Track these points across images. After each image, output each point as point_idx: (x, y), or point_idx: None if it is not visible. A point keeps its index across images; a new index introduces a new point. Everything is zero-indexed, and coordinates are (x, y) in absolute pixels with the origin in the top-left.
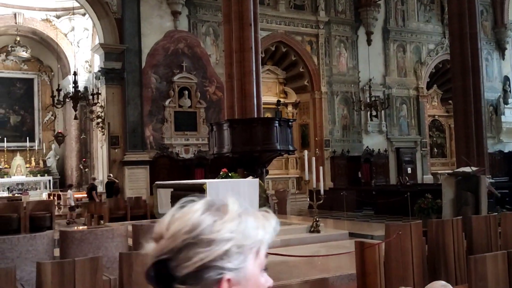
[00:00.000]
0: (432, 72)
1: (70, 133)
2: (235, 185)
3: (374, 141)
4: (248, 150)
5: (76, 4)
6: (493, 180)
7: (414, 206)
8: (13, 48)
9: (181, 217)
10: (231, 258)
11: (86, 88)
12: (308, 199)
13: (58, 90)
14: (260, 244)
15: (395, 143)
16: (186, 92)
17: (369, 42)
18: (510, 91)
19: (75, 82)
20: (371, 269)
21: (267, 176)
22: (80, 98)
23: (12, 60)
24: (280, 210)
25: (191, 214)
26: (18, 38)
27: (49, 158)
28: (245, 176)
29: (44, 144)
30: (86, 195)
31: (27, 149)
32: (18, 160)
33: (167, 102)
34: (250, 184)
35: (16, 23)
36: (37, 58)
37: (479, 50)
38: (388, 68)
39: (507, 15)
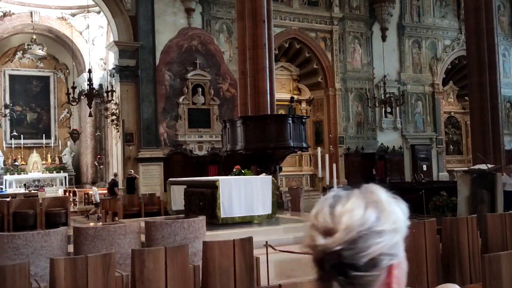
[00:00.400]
0: (448, 68)
1: (85, 130)
2: (248, 182)
3: (388, 138)
4: (261, 147)
5: (91, 2)
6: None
7: (429, 203)
8: (29, 46)
9: (348, 212)
10: (397, 245)
11: (101, 85)
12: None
13: (73, 88)
14: (406, 229)
15: (410, 140)
16: (200, 89)
17: (383, 38)
18: None
19: (89, 80)
20: None
21: (281, 173)
22: (94, 95)
23: (29, 58)
24: (294, 208)
25: (357, 209)
26: (34, 36)
27: (64, 155)
28: (258, 173)
29: (60, 141)
30: (107, 191)
31: (43, 146)
32: (34, 157)
33: (180, 99)
34: (263, 181)
35: (32, 21)
36: (53, 56)
37: (496, 46)
38: (403, 64)
39: None
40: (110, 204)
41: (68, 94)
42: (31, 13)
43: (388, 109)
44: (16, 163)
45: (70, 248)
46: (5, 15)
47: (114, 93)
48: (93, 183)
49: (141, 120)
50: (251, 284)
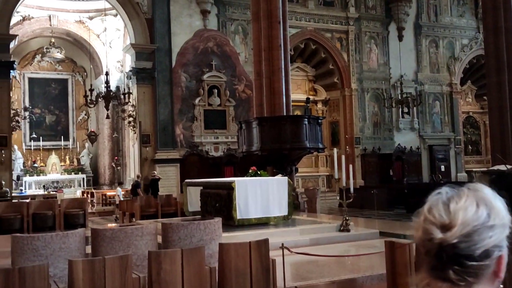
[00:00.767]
0: (466, 67)
1: (103, 132)
2: (264, 184)
3: (406, 139)
4: (277, 148)
5: (108, 6)
6: None
7: None
8: (48, 50)
9: (463, 209)
10: (504, 238)
11: (118, 87)
12: (338, 198)
13: (91, 90)
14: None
15: (427, 140)
16: (216, 91)
17: (400, 38)
18: None
19: (107, 82)
20: (401, 270)
21: (297, 174)
22: (112, 97)
23: (47, 61)
24: (310, 209)
25: (470, 206)
26: (52, 40)
27: (82, 156)
28: (274, 174)
29: (78, 142)
30: (130, 192)
31: (62, 147)
32: (53, 158)
33: (196, 101)
34: (279, 183)
35: (51, 25)
36: (71, 59)
37: None
38: (420, 64)
39: None
40: (127, 205)
41: (86, 96)
42: (50, 17)
43: (405, 109)
44: (35, 165)
45: (88, 249)
46: (24, 19)
47: (131, 95)
48: (119, 183)
49: (158, 122)
50: (267, 286)
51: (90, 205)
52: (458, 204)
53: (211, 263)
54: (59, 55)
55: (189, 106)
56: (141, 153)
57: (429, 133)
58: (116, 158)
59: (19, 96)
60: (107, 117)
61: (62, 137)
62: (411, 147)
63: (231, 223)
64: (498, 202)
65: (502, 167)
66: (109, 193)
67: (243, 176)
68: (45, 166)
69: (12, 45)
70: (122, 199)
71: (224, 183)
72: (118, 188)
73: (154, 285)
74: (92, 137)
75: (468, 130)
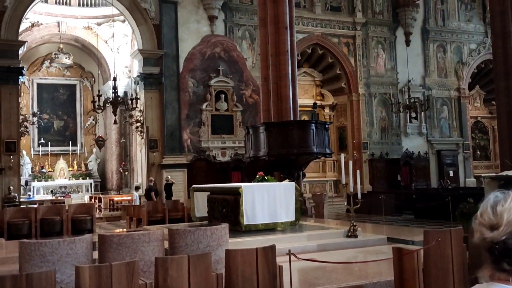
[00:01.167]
0: (474, 72)
1: (111, 137)
2: (271, 189)
3: (413, 144)
4: (284, 153)
5: (116, 12)
6: None
7: (455, 211)
8: (56, 55)
9: (507, 210)
10: None
11: (125, 92)
12: (346, 203)
13: (99, 96)
14: None
15: (436, 145)
16: (223, 96)
17: (407, 42)
18: None
19: (114, 88)
20: (409, 276)
21: (304, 179)
22: (119, 103)
23: (56, 67)
24: (317, 214)
25: None
26: (61, 46)
27: (90, 161)
28: (281, 180)
29: (85, 148)
30: (144, 196)
31: (70, 153)
32: (61, 163)
33: (204, 106)
34: (286, 188)
35: (59, 31)
36: (79, 64)
37: None
38: (427, 69)
39: None
40: (134, 210)
41: (93, 102)
42: (58, 23)
43: (413, 114)
44: (44, 170)
45: (95, 255)
46: (33, 25)
47: (138, 100)
48: (136, 188)
49: (165, 127)
50: None
51: (97, 210)
52: (503, 206)
53: (218, 269)
54: (67, 61)
55: (196, 111)
56: (148, 158)
57: (437, 138)
58: (123, 163)
59: (28, 101)
60: (115, 122)
61: (70, 142)
62: (419, 152)
63: (238, 229)
64: None
65: (511, 173)
66: (117, 198)
67: (250, 181)
68: (53, 171)
69: (21, 51)
70: (138, 203)
71: (231, 188)
72: (135, 193)
73: None
74: (100, 142)
75: (476, 135)
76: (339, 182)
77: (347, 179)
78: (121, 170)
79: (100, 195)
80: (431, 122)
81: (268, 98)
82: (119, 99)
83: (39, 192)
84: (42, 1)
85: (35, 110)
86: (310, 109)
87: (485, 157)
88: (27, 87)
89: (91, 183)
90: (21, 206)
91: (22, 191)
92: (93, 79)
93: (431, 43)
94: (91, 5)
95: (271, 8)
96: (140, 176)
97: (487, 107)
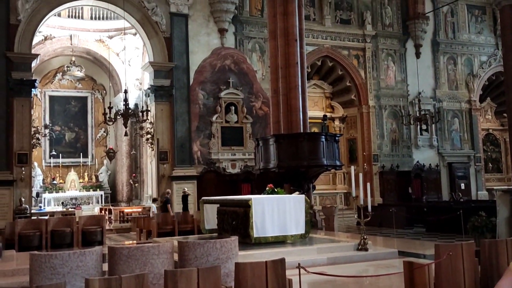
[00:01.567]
0: (485, 84)
1: (121, 149)
2: (281, 201)
3: (424, 156)
4: (294, 165)
5: (128, 25)
6: None
7: (467, 224)
8: (68, 68)
9: None
10: None
11: (136, 105)
12: (356, 216)
13: (110, 108)
14: None
15: (447, 157)
16: (233, 108)
17: (417, 55)
18: None
19: (125, 100)
20: None
21: (314, 192)
22: (130, 115)
23: (68, 79)
24: (328, 227)
25: None
26: (73, 58)
27: (101, 173)
28: (291, 192)
29: (96, 159)
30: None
31: (81, 164)
32: (72, 175)
33: (214, 118)
34: (296, 200)
35: (71, 44)
36: (90, 77)
37: None
38: (438, 81)
39: None
40: (144, 222)
41: (105, 114)
42: (71, 36)
43: (424, 127)
44: (55, 182)
45: (105, 267)
46: (46, 38)
47: (149, 112)
48: (154, 199)
49: (175, 139)
50: None
51: (107, 222)
52: None
53: (227, 282)
54: (79, 73)
55: (206, 123)
56: (158, 170)
57: (448, 150)
58: (134, 175)
59: (40, 113)
60: (126, 134)
61: (81, 154)
62: (430, 164)
63: (248, 241)
64: None
65: None
66: (127, 210)
67: (260, 193)
68: (64, 183)
69: (34, 64)
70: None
71: (240, 200)
72: (153, 204)
73: None
74: (111, 154)
75: (488, 147)
76: (349, 194)
77: (358, 191)
78: (131, 182)
79: (111, 207)
80: (442, 135)
81: (278, 110)
82: (130, 111)
83: (50, 203)
84: (55, 15)
85: (47, 122)
86: (320, 121)
87: (497, 169)
88: (39, 99)
89: (101, 195)
90: (32, 217)
91: (33, 203)
92: (105, 91)
93: (442, 55)
94: (103, 19)
95: (281, 21)
96: (150, 188)
97: (499, 119)
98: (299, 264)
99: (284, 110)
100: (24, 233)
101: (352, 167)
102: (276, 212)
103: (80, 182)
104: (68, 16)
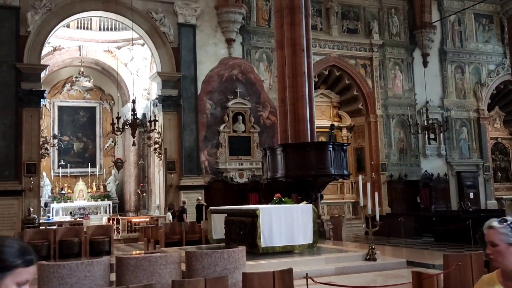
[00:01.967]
0: (493, 93)
1: (129, 159)
2: (289, 211)
3: (433, 165)
4: (301, 174)
5: (136, 35)
6: None
7: (476, 234)
8: (77, 79)
9: None
10: None
11: (144, 114)
12: (364, 225)
13: (118, 118)
14: None
15: (455, 167)
16: (240, 117)
17: (425, 64)
18: None
19: (133, 110)
20: None
21: (322, 201)
22: (138, 125)
23: (76, 89)
24: (336, 236)
25: None
26: (82, 69)
27: (109, 183)
28: (299, 201)
29: (104, 169)
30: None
31: (89, 174)
32: (80, 185)
33: (221, 127)
34: (304, 210)
35: (80, 55)
36: (99, 87)
37: None
38: (446, 90)
39: None
40: (152, 232)
41: (113, 124)
42: (79, 47)
43: (432, 136)
44: (63, 192)
45: (113, 277)
46: (55, 49)
47: (157, 122)
48: (169, 209)
49: (183, 148)
50: None
51: (115, 232)
52: None
53: None
54: (87, 84)
55: (214, 133)
56: (166, 180)
57: (456, 159)
58: (141, 184)
59: (49, 124)
60: (133, 144)
61: (89, 164)
62: (438, 173)
63: (255, 251)
64: None
65: None
66: (135, 219)
67: (268, 203)
68: (72, 192)
69: (43, 74)
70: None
71: (248, 210)
72: (169, 213)
73: None
74: (119, 164)
75: (497, 156)
76: (357, 204)
77: (366, 201)
78: (139, 192)
79: (118, 217)
80: (450, 144)
81: (286, 119)
82: (138, 121)
83: (58, 213)
84: (64, 26)
85: (56, 132)
86: (328, 130)
87: (506, 178)
88: (48, 109)
89: (109, 205)
90: (41, 227)
91: (41, 213)
92: (113, 102)
93: (449, 64)
94: (111, 29)
95: (288, 31)
96: (158, 198)
97: (507, 128)
98: (306, 274)
99: (291, 119)
100: (33, 243)
101: (360, 177)
102: (284, 222)
103: (88, 192)
104: (77, 27)
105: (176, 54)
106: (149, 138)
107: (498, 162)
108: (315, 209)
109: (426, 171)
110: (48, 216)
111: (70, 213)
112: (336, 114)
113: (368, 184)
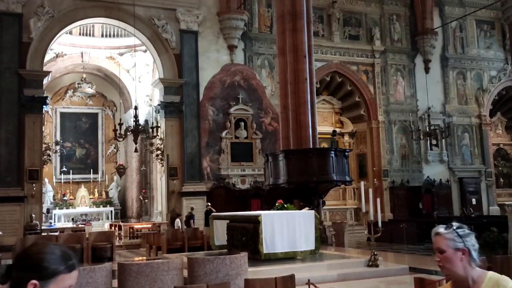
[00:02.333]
0: (495, 99)
1: (131, 165)
2: (291, 217)
3: (435, 171)
4: (303, 180)
5: (138, 42)
6: None
7: (479, 240)
8: (79, 85)
9: None
10: None
11: (146, 121)
12: (366, 231)
13: (120, 124)
14: None
15: (457, 173)
16: (242, 124)
17: (427, 70)
18: None
19: (136, 116)
20: None
21: (324, 207)
22: (140, 131)
23: (79, 96)
24: (338, 243)
25: None
26: (84, 75)
27: (111, 189)
28: (301, 207)
29: (106, 175)
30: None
31: (91, 180)
32: (82, 191)
33: (223, 134)
34: (306, 216)
35: (82, 61)
36: (101, 93)
37: None
38: (447, 96)
39: None
40: (154, 238)
41: (115, 130)
42: (82, 53)
43: (434, 142)
44: (65, 198)
45: (115, 283)
46: (57, 56)
47: (159, 128)
48: (178, 215)
49: (185, 155)
50: None
51: (117, 238)
52: None
53: None
54: (90, 90)
55: (216, 139)
56: (168, 186)
57: (458, 165)
58: (143, 191)
59: (51, 130)
60: (136, 150)
61: (91, 170)
62: (440, 179)
63: (257, 257)
64: None
65: None
66: (137, 226)
67: (270, 209)
68: (74, 199)
69: (45, 81)
70: (181, 229)
71: (250, 216)
72: (177, 219)
73: None
74: (121, 170)
75: (499, 162)
76: (359, 210)
77: (368, 207)
78: (141, 198)
79: (120, 223)
80: (452, 150)
81: (288, 125)
82: (140, 127)
83: (60, 219)
84: (67, 33)
85: (58, 138)
86: (330, 136)
87: (508, 184)
88: (50, 116)
89: (111, 211)
90: (43, 233)
91: (43, 219)
92: (115, 108)
93: (451, 70)
94: (113, 36)
95: (290, 37)
96: (160, 204)
97: (509, 134)
98: (309, 280)
99: (293, 125)
100: None
101: (362, 183)
102: (286, 228)
103: (90, 198)
104: (80, 34)
105: (178, 60)
106: (151, 144)
107: (500, 168)
108: (317, 215)
109: (428, 177)
110: (50, 223)
111: (72, 219)
112: (338, 120)
113: (370, 190)
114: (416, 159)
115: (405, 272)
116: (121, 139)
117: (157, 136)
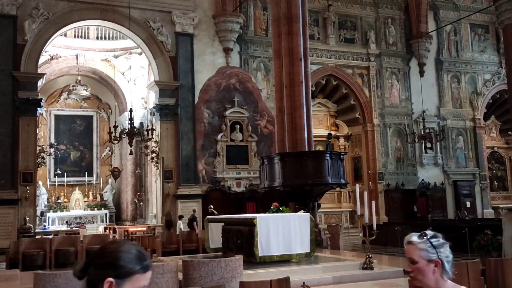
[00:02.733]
0: (489, 102)
1: (126, 168)
2: (286, 220)
3: (429, 174)
4: (299, 183)
5: (133, 44)
6: None
7: (473, 242)
8: (74, 87)
9: None
10: None
11: (141, 123)
12: (361, 234)
13: (115, 127)
14: None
15: (452, 176)
16: (238, 126)
17: (421, 73)
18: None
19: (131, 119)
20: None
21: (319, 210)
22: (135, 134)
23: (73, 98)
24: (333, 245)
25: None
26: (79, 78)
27: (105, 192)
28: (296, 210)
29: (101, 178)
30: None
31: (86, 183)
32: (77, 194)
33: (219, 136)
34: (301, 219)
35: (77, 63)
36: (96, 96)
37: None
38: (442, 99)
39: None
40: (149, 241)
41: (110, 133)
42: (77, 55)
43: (428, 145)
44: (59, 201)
45: None
46: (52, 58)
47: (154, 131)
48: (180, 217)
49: (180, 157)
50: None
51: None
52: None
53: None
54: (84, 93)
55: (211, 142)
56: (163, 189)
57: (453, 168)
58: (138, 193)
59: (45, 132)
60: (131, 153)
61: (86, 173)
62: (435, 182)
63: (252, 260)
64: None
65: None
66: (131, 229)
67: (265, 212)
68: (69, 202)
69: (40, 83)
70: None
71: (245, 219)
72: (179, 221)
73: None
74: (116, 173)
75: (493, 165)
76: (354, 213)
77: (363, 210)
78: (136, 201)
79: (115, 226)
80: (447, 153)
81: (283, 128)
82: (135, 130)
83: (55, 222)
84: (61, 35)
85: (52, 141)
86: (325, 139)
87: (502, 187)
88: (44, 118)
89: (106, 214)
90: (37, 236)
91: (37, 222)
92: (110, 110)
93: (445, 73)
94: (109, 38)
95: (285, 40)
96: (155, 207)
97: (504, 137)
98: (304, 283)
99: (289, 128)
100: (28, 252)
101: (357, 185)
102: (281, 231)
103: (84, 201)
104: (74, 36)
105: (173, 63)
106: (146, 147)
107: (494, 171)
108: (312, 218)
109: (423, 180)
110: (44, 225)
111: (66, 222)
112: (333, 123)
113: (365, 193)
114: (411, 162)
115: (400, 275)
116: (116, 142)
117: (152, 139)
